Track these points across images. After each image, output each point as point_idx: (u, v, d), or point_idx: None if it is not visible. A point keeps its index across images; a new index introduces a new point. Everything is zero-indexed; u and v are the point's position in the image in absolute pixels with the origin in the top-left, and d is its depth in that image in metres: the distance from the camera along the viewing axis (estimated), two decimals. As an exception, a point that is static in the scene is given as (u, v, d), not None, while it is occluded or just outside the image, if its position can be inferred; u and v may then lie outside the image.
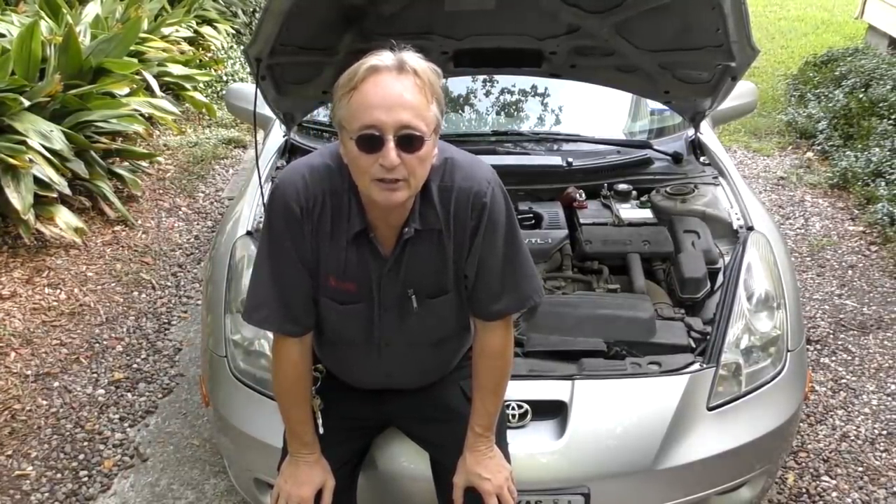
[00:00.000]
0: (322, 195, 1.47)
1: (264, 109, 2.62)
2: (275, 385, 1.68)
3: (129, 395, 2.96)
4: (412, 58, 1.36)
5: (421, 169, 1.38)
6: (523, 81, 3.22)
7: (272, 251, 1.52)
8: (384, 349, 1.63)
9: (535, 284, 1.61)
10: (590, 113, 3.18)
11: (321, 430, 1.68)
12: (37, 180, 3.63)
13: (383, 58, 1.34)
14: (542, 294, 1.65)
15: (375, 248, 1.50)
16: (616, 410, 1.90)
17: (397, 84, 1.32)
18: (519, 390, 1.89)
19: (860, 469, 2.60)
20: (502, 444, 1.74)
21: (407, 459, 1.83)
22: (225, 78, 6.26)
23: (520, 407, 1.87)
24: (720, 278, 2.30)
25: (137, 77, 4.67)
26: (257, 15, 7.10)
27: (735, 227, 2.49)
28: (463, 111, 3.30)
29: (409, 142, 1.33)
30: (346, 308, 1.57)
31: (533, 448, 1.83)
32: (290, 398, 1.65)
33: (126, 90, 4.44)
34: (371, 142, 1.33)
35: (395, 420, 1.81)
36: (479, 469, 1.64)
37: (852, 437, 2.75)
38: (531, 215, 2.59)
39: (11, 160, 3.51)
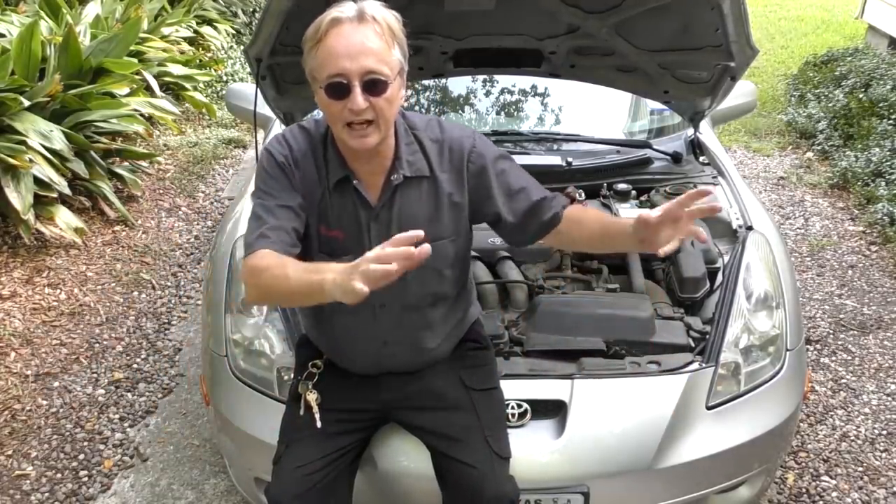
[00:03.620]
0: (301, 150, 1.59)
1: (264, 109, 2.63)
2: (265, 284, 1.47)
3: (129, 395, 2.96)
4: (372, 6, 1.45)
5: (389, 111, 1.47)
6: (523, 81, 3.22)
7: (262, 195, 1.57)
8: (379, 312, 1.66)
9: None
10: (589, 113, 3.18)
11: (318, 424, 1.69)
12: (37, 180, 3.64)
13: (344, 9, 1.43)
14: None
15: (362, 196, 1.58)
16: (615, 410, 1.90)
17: (358, 33, 1.42)
18: (518, 389, 1.89)
19: (860, 469, 2.60)
20: (503, 439, 1.75)
21: (407, 458, 1.83)
22: (225, 78, 6.27)
23: (519, 406, 1.87)
24: (719, 278, 2.30)
25: (137, 77, 4.68)
26: (257, 15, 7.10)
27: (734, 226, 2.49)
28: (463, 111, 3.31)
29: (375, 85, 1.43)
30: (337, 261, 1.56)
31: (532, 447, 1.83)
32: (281, 269, 1.46)
33: (126, 90, 4.44)
34: (339, 89, 1.43)
35: (393, 412, 1.81)
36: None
37: (852, 437, 2.75)
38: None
39: (11, 160, 3.51)
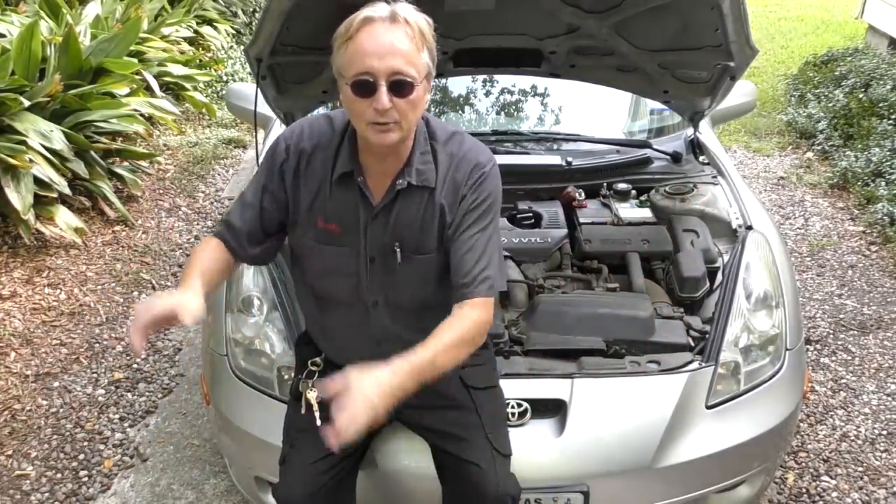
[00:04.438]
0: (316, 140, 1.61)
1: (265, 109, 2.62)
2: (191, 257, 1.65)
3: (129, 395, 2.96)
4: (404, 8, 1.45)
5: (412, 113, 1.47)
6: (523, 81, 3.22)
7: (251, 183, 1.66)
8: (372, 310, 1.67)
9: (505, 272, 1.67)
10: (589, 113, 3.18)
11: (318, 423, 1.69)
12: (37, 180, 3.64)
13: (377, 9, 1.44)
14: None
15: (364, 193, 1.59)
16: (615, 409, 1.90)
17: (389, 33, 1.42)
18: (518, 389, 1.89)
19: (860, 469, 2.60)
20: (504, 437, 1.75)
21: (408, 458, 1.84)
22: (225, 78, 6.27)
23: (519, 405, 1.87)
24: (719, 277, 2.30)
25: (137, 77, 4.68)
26: (257, 15, 7.11)
27: (734, 226, 2.49)
28: (463, 111, 3.31)
29: (401, 87, 1.43)
30: (330, 250, 1.62)
31: (532, 446, 1.84)
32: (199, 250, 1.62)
33: (126, 90, 4.44)
34: (365, 87, 1.43)
35: (394, 410, 1.80)
36: (362, 381, 1.36)
37: (852, 437, 2.75)
38: (531, 214, 2.60)
39: (11, 160, 3.51)
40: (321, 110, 2.87)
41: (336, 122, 1.62)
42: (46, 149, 3.68)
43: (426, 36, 1.46)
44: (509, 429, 1.80)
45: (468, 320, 1.54)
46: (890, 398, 2.95)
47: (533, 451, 1.83)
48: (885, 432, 2.77)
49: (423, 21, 1.46)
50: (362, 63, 1.41)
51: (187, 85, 5.43)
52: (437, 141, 1.60)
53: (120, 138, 4.59)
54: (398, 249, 1.60)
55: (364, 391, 1.34)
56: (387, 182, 1.58)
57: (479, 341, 1.58)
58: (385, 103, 1.41)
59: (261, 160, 1.66)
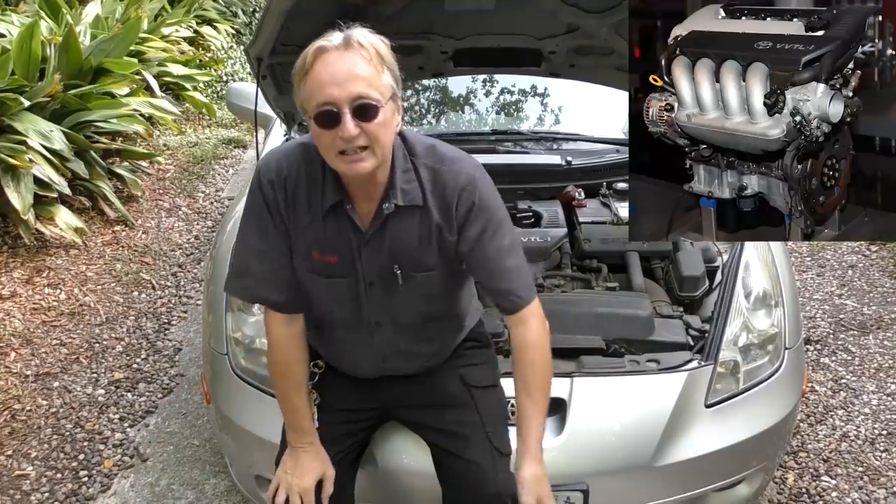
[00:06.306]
0: (296, 172, 1.54)
1: (265, 109, 2.63)
2: (270, 370, 1.72)
3: (129, 395, 2.96)
4: (358, 32, 1.41)
5: (383, 136, 1.42)
6: (523, 81, 3.23)
7: (250, 224, 1.59)
8: (375, 332, 1.65)
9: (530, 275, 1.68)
10: (589, 112, 3.19)
11: (317, 424, 1.69)
12: (37, 180, 3.64)
13: (331, 38, 1.40)
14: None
15: (353, 222, 1.55)
16: (614, 408, 1.90)
17: (345, 60, 1.38)
18: (518, 388, 1.89)
19: (860, 469, 2.60)
20: (504, 436, 1.75)
21: (407, 456, 1.83)
22: (225, 78, 6.28)
23: (519, 404, 1.87)
24: (718, 276, 2.30)
25: (137, 77, 4.69)
26: (257, 15, 7.12)
27: (734, 225, 2.49)
28: (463, 111, 3.31)
29: (365, 111, 1.38)
30: (330, 282, 1.59)
31: (532, 445, 1.83)
32: (284, 382, 1.68)
33: (126, 90, 4.45)
34: (328, 117, 1.38)
35: (392, 410, 1.81)
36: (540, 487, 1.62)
37: (852, 437, 2.75)
38: (530, 214, 2.60)
39: (11, 160, 3.52)
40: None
41: (313, 149, 1.54)
42: (46, 149, 3.69)
43: (384, 57, 1.41)
44: (510, 427, 1.80)
45: (533, 351, 1.63)
46: (890, 398, 2.95)
47: (532, 449, 1.83)
48: (885, 432, 2.77)
49: (379, 43, 1.41)
50: (322, 93, 1.36)
51: (187, 85, 5.44)
52: (417, 156, 1.55)
53: (120, 138, 4.60)
54: (398, 271, 1.57)
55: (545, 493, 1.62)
56: (374, 207, 1.54)
57: (548, 348, 1.65)
58: (351, 130, 1.36)
59: (251, 202, 1.58)
